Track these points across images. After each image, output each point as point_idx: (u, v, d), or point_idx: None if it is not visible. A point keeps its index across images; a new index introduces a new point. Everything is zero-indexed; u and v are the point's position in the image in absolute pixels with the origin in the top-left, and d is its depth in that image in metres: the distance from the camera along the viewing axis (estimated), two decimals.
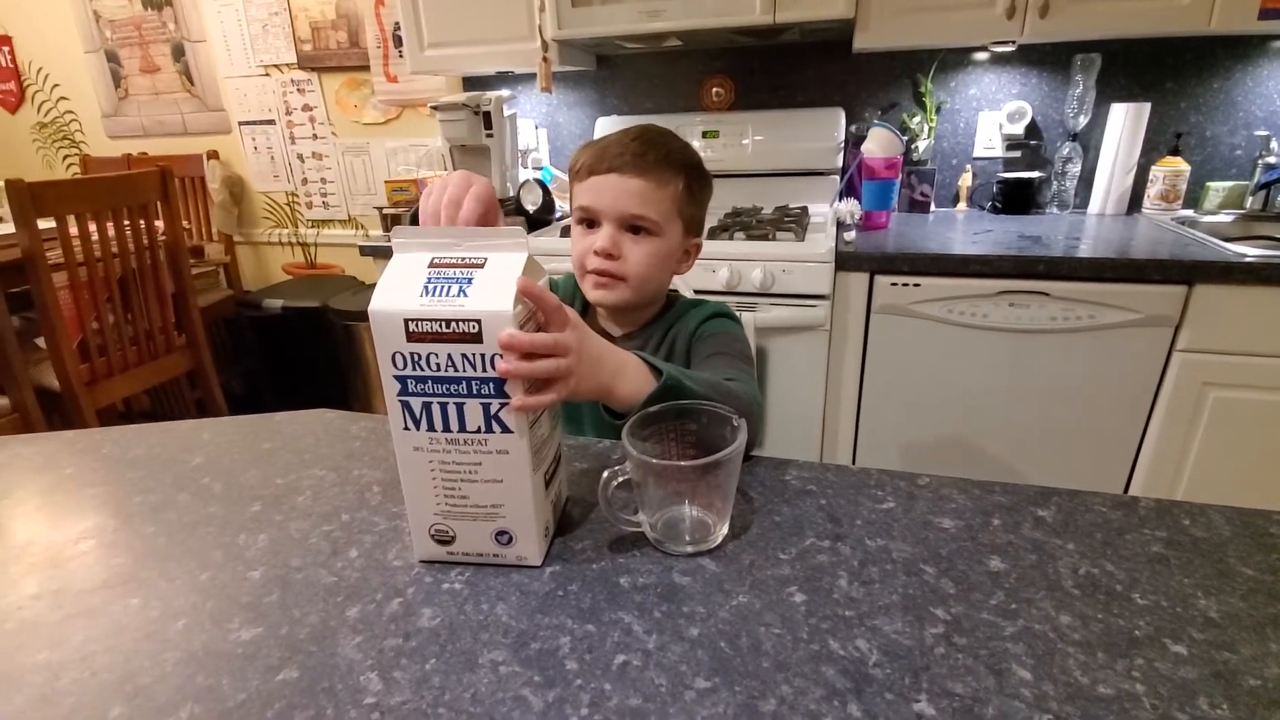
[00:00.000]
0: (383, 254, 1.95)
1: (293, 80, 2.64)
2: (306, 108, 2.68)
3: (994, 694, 0.40)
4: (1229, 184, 1.83)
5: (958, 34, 1.68)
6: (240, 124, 2.77)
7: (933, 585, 0.49)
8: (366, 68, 2.53)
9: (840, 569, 0.51)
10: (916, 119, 2.05)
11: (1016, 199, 1.99)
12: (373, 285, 2.65)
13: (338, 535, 0.58)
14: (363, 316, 2.38)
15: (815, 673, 0.42)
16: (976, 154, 2.07)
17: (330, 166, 2.74)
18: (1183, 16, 1.51)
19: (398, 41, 2.45)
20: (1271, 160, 1.74)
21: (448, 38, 2.00)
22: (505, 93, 1.98)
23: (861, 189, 1.89)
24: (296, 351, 2.57)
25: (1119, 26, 1.56)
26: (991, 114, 2.01)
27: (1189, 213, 1.84)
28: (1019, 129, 1.98)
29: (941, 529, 0.56)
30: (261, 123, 2.74)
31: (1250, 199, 1.79)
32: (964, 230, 1.81)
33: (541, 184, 1.99)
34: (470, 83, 2.37)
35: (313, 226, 2.88)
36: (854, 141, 2.06)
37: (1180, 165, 1.84)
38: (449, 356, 0.47)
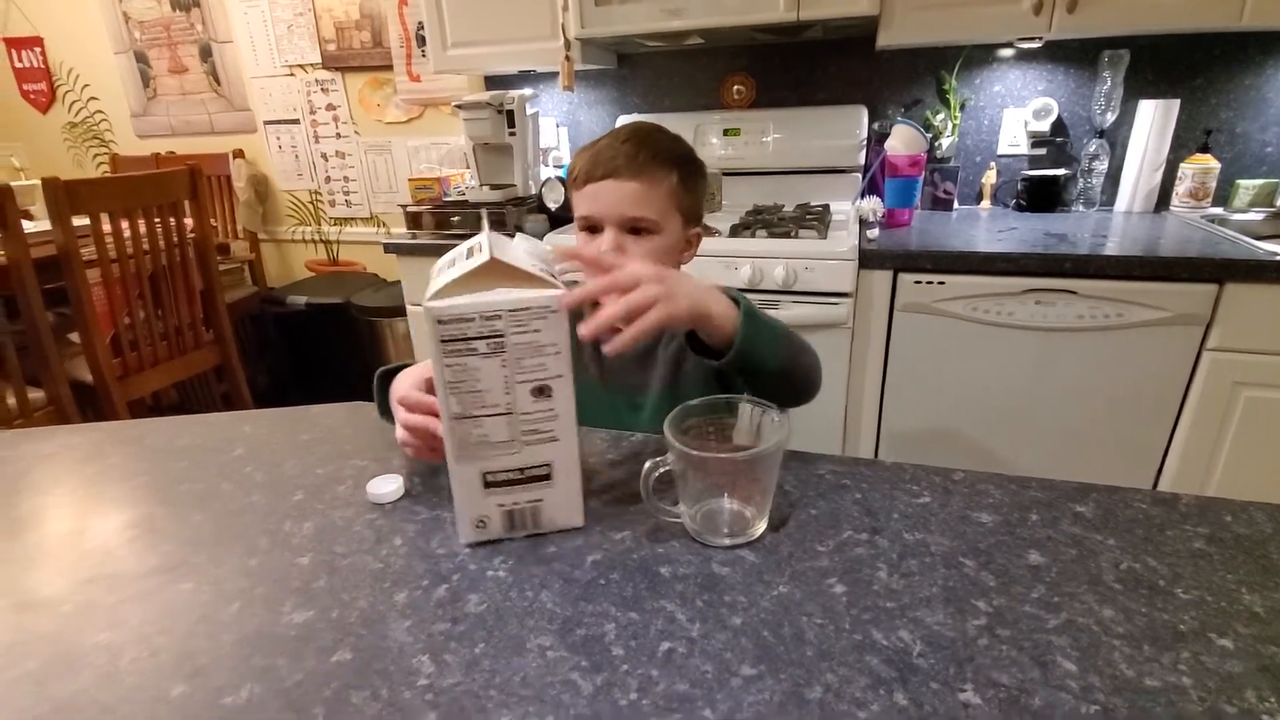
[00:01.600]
0: (407, 251, 1.97)
1: (317, 80, 2.68)
2: (330, 107, 2.71)
3: (1039, 685, 0.40)
4: (1260, 182, 1.80)
5: (983, 30, 1.66)
6: (265, 123, 2.81)
7: (973, 578, 0.50)
8: (389, 67, 2.56)
9: (879, 561, 0.52)
10: (940, 116, 2.03)
11: (1041, 196, 1.97)
12: (395, 282, 2.69)
13: (381, 523, 0.60)
14: (385, 313, 2.41)
15: (859, 662, 0.43)
16: (1001, 151, 2.05)
17: (353, 165, 2.77)
18: (1214, 10, 1.48)
19: (420, 41, 2.47)
20: None
21: (470, 37, 2.02)
22: (528, 91, 2.00)
23: (884, 186, 1.89)
24: (320, 347, 2.61)
25: (1149, 21, 1.54)
26: (1017, 111, 1.99)
27: (1218, 210, 1.82)
28: (1045, 126, 1.96)
29: (979, 523, 0.56)
30: (286, 122, 2.78)
31: None
32: (988, 228, 1.79)
33: (563, 182, 2.00)
34: (492, 81, 2.38)
35: (335, 224, 2.91)
36: (876, 139, 2.05)
37: (1210, 162, 1.81)
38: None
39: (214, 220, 2.83)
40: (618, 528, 0.57)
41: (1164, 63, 1.81)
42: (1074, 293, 1.50)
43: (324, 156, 2.80)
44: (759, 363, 0.65)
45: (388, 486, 0.63)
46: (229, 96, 2.82)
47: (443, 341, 0.49)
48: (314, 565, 0.55)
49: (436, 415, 0.54)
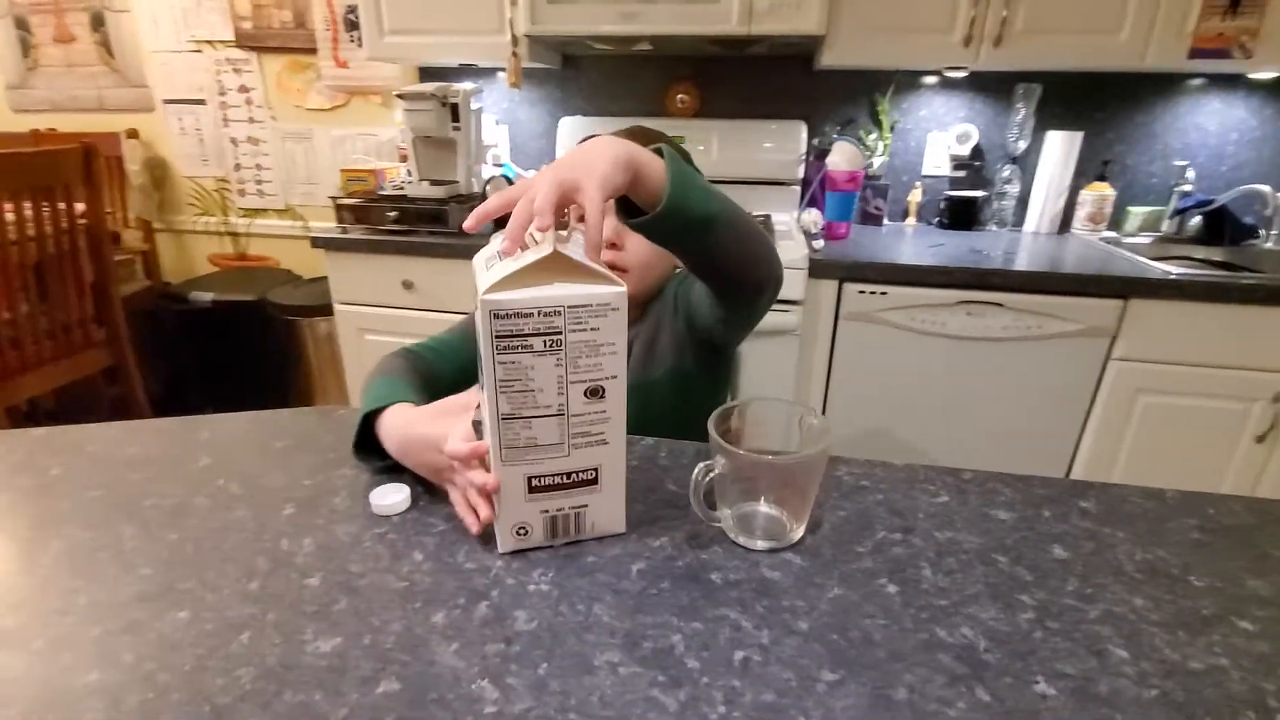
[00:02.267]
0: (337, 246, 1.85)
1: (228, 59, 2.47)
2: (243, 89, 2.50)
3: (1101, 673, 0.42)
4: (1148, 209, 2.02)
5: (918, 57, 1.77)
6: (165, 102, 2.56)
7: (1009, 573, 0.51)
8: (313, 50, 2.40)
9: (920, 560, 0.53)
10: (872, 136, 2.14)
11: (961, 216, 2.12)
12: (315, 279, 2.51)
13: (393, 538, 0.55)
14: (306, 311, 2.25)
15: (932, 660, 0.43)
16: (925, 172, 2.18)
17: (267, 153, 2.58)
18: (1121, 52, 1.65)
19: (349, 25, 2.33)
20: (1187, 188, 1.93)
21: (410, 25, 1.93)
22: (472, 86, 1.93)
23: (824, 200, 1.96)
24: (228, 348, 2.39)
25: (1064, 59, 1.69)
26: (940, 135, 2.13)
27: (1113, 234, 2.02)
28: (965, 150, 2.11)
29: (1000, 520, 0.58)
30: (190, 102, 2.54)
31: (1166, 223, 1.98)
32: (918, 243, 1.90)
33: (509, 180, 1.94)
34: (427, 73, 2.29)
35: (245, 215, 2.69)
36: (815, 154, 2.13)
37: (1107, 190, 2.01)
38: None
39: (107, 207, 2.54)
40: (653, 534, 0.55)
41: (1070, 98, 1.99)
42: (1001, 305, 1.62)
43: (234, 142, 2.58)
44: (694, 213, 0.57)
45: (394, 497, 0.58)
46: (123, 71, 2.54)
47: (497, 338, 0.46)
48: (328, 587, 0.49)
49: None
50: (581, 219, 0.50)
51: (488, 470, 0.52)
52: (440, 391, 0.66)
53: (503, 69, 2.22)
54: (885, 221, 2.18)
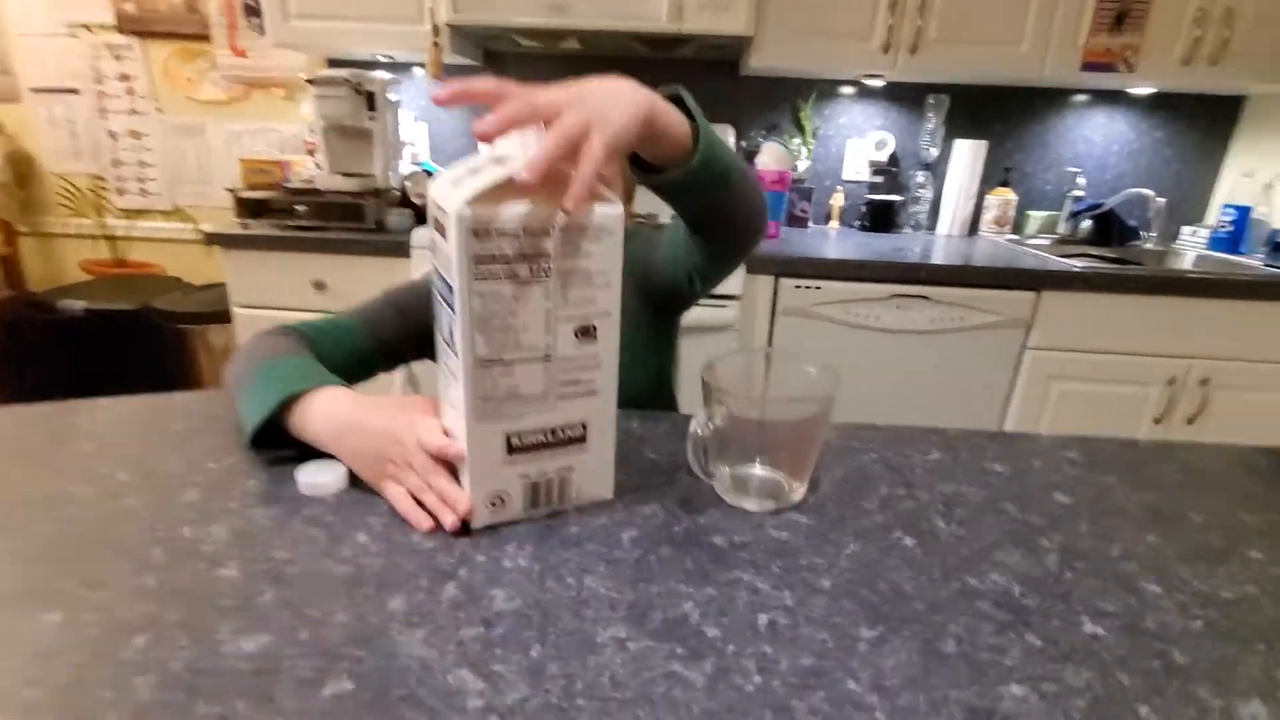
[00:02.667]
0: (236, 244, 1.67)
1: (108, 45, 2.22)
2: (124, 77, 2.26)
3: (1143, 609, 0.39)
4: (1045, 213, 2.16)
5: (840, 61, 1.82)
6: (33, 90, 2.27)
7: (1022, 520, 0.49)
8: (206, 37, 2.20)
9: (930, 513, 0.49)
10: (795, 141, 2.19)
11: (880, 218, 2.19)
12: (206, 286, 2.29)
13: (331, 520, 0.45)
14: (196, 319, 2.03)
15: (972, 609, 0.39)
16: (846, 177, 2.25)
17: (151, 148, 2.33)
18: (1022, 63, 1.76)
19: (249, 11, 2.16)
20: (1079, 194, 2.08)
21: (320, 9, 1.80)
22: (389, 75, 1.81)
23: None
24: (104, 361, 2.12)
25: (973, 68, 1.79)
26: (859, 142, 2.21)
27: (1015, 236, 2.15)
28: (882, 157, 2.19)
29: (996, 472, 0.56)
30: (62, 91, 2.27)
31: (1062, 225, 2.13)
32: (843, 243, 1.95)
33: (429, 174, 1.83)
34: (336, 65, 2.14)
35: (125, 217, 2.42)
36: (743, 156, 2.15)
37: (1009, 195, 2.14)
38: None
39: None
40: (640, 501, 0.49)
41: (975, 110, 2.12)
42: (927, 298, 1.67)
43: (112, 135, 2.32)
44: (717, 167, 0.53)
45: (326, 475, 0.48)
46: None
47: (475, 260, 0.38)
48: (248, 577, 0.39)
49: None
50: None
51: (456, 481, 0.44)
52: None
53: (421, 64, 2.11)
54: (810, 224, 2.23)
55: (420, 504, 0.45)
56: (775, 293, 1.68)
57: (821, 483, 0.53)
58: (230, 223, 1.74)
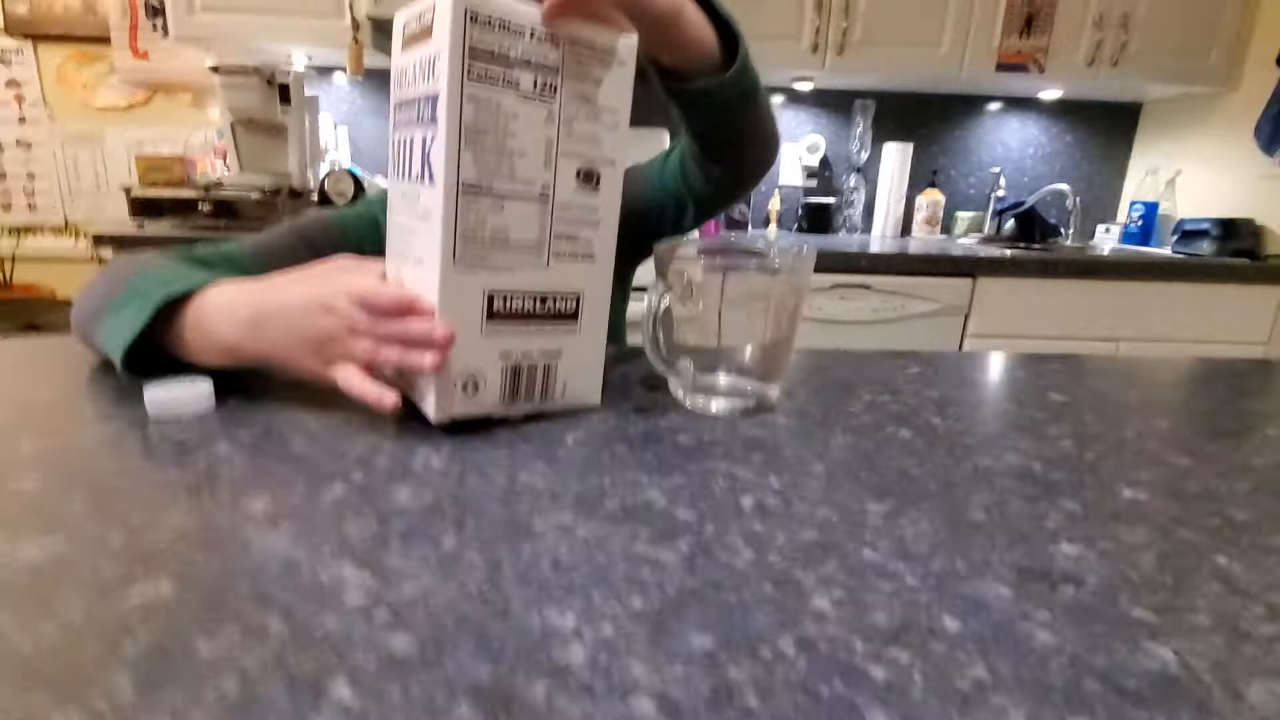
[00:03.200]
0: (129, 246, 1.51)
1: None
2: (12, 84, 2.07)
3: (1180, 476, 0.34)
4: (972, 213, 2.23)
5: (771, 62, 1.84)
6: None
7: (1022, 413, 0.43)
8: (105, 40, 2.04)
9: (923, 411, 0.43)
10: None
11: (817, 221, 2.21)
12: None
13: (184, 437, 0.35)
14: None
15: (993, 484, 0.32)
16: (782, 181, 2.27)
17: (42, 159, 2.13)
18: (943, 64, 1.82)
19: (152, 11, 2.02)
20: (1001, 194, 2.15)
21: (229, 1, 1.69)
22: (305, 69, 1.71)
23: None
24: None
25: (898, 68, 1.84)
26: (792, 146, 2.23)
27: (944, 236, 2.20)
28: (815, 161, 2.22)
29: (981, 381, 0.50)
30: None
31: (988, 224, 2.19)
32: (783, 242, 1.94)
33: (353, 175, 1.73)
34: None
35: (9, 235, 2.18)
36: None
37: (938, 196, 2.19)
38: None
39: None
40: (585, 410, 0.40)
41: (900, 114, 2.18)
42: (869, 287, 1.66)
43: None
44: (751, 89, 0.50)
45: (186, 390, 0.38)
46: None
47: (472, 54, 0.30)
48: (54, 488, 0.28)
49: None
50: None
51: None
52: None
53: (342, 68, 2.02)
54: (749, 227, 2.22)
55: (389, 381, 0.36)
56: (722, 289, 1.64)
57: (797, 392, 0.46)
58: (132, 227, 1.58)
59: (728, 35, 0.48)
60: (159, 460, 0.31)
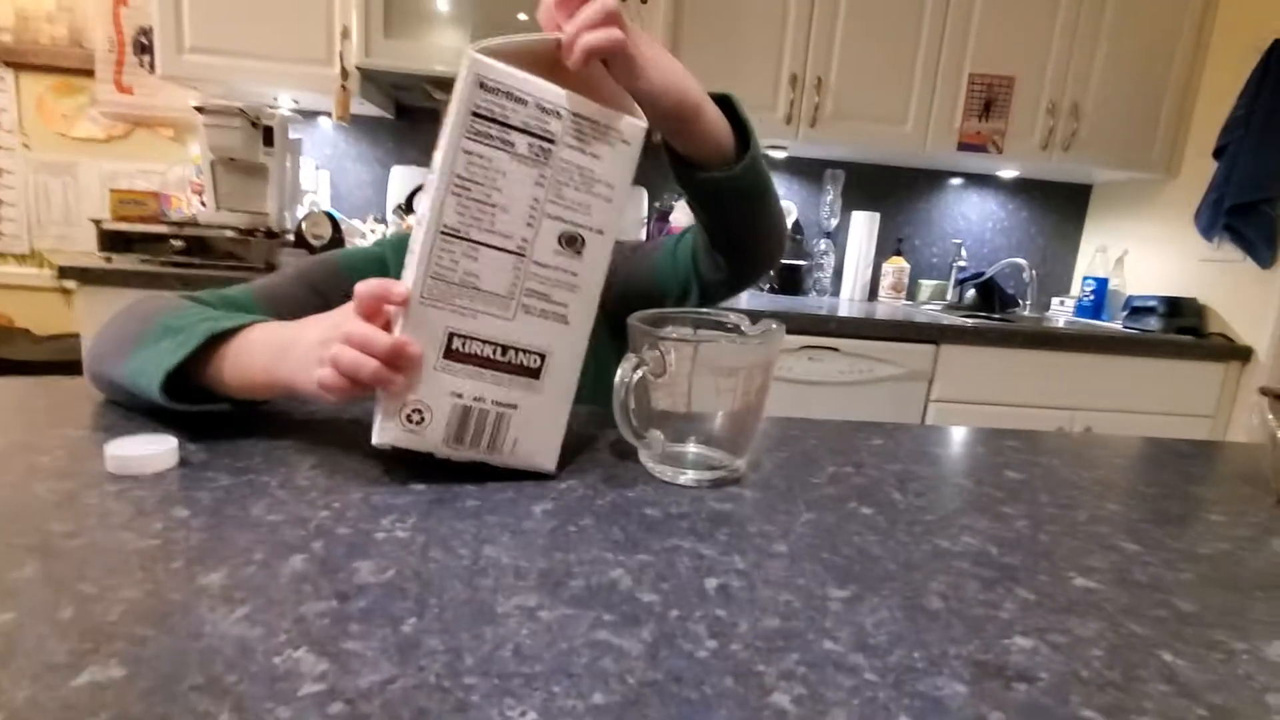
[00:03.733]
0: (93, 279, 1.48)
1: None
2: None
3: (1129, 563, 0.35)
4: (935, 282, 2.31)
5: None
6: None
7: (980, 491, 0.44)
8: (89, 73, 2.05)
9: (884, 487, 0.44)
10: None
11: (789, 282, 2.27)
12: (57, 335, 2.01)
13: (140, 495, 0.34)
14: (41, 369, 1.76)
15: (950, 567, 0.33)
16: None
17: (12, 186, 2.09)
18: (908, 140, 1.92)
19: (139, 48, 2.04)
20: (963, 264, 2.25)
21: (218, 44, 1.71)
22: (291, 112, 1.73)
23: None
24: None
25: (866, 142, 1.93)
26: None
27: (909, 302, 2.28)
28: (788, 224, 2.30)
29: (940, 455, 0.52)
30: None
31: (950, 293, 2.28)
32: (753, 301, 1.99)
33: (331, 217, 1.73)
34: None
35: None
36: (657, 215, 2.19)
37: (903, 264, 2.28)
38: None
39: None
40: (555, 478, 0.40)
41: (868, 185, 2.28)
42: (837, 350, 1.70)
43: None
44: (762, 184, 0.53)
45: (148, 447, 0.37)
46: None
47: (474, 114, 0.33)
48: (3, 551, 0.27)
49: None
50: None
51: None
52: None
53: (327, 113, 2.05)
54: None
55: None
56: (693, 363, 1.66)
57: (763, 463, 0.47)
58: (100, 258, 1.55)
59: (742, 133, 0.51)
60: (114, 524, 0.30)
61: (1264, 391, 0.47)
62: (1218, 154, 1.79)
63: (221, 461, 0.39)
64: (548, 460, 0.40)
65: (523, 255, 0.36)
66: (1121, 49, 1.91)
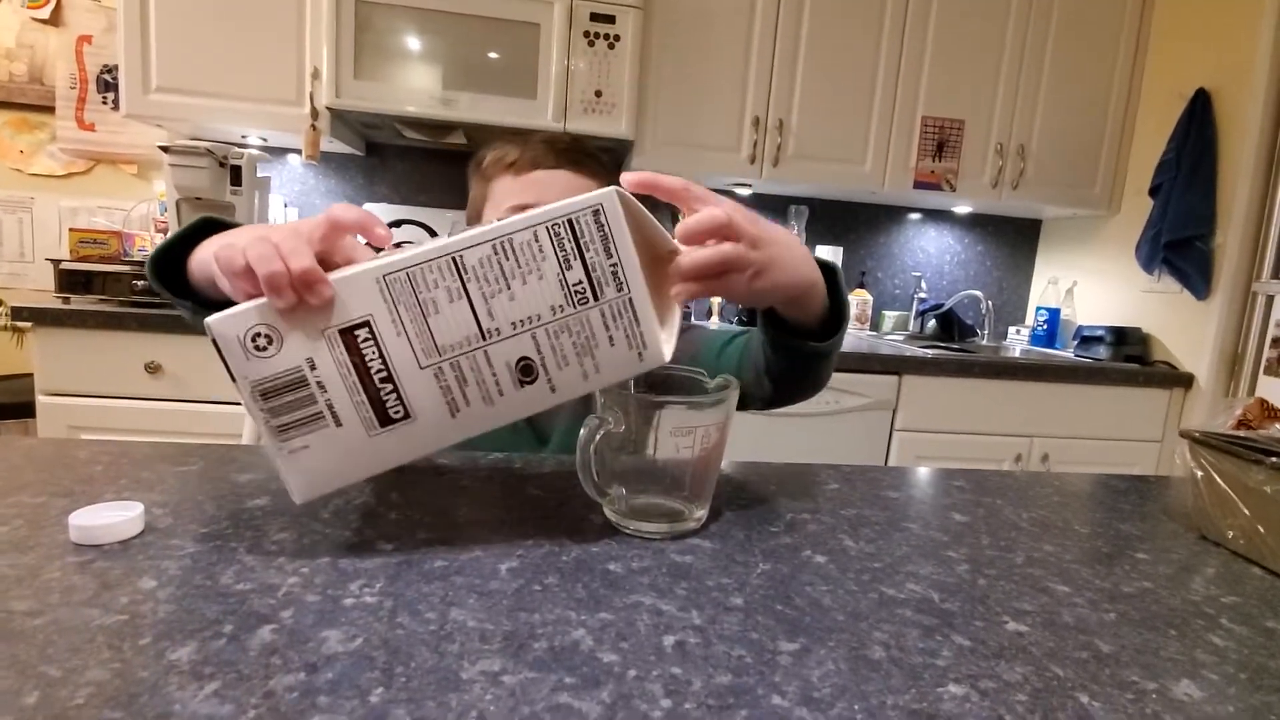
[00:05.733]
0: (50, 320, 1.45)
1: None
2: None
3: (1058, 604, 0.37)
4: (897, 313, 2.38)
5: (713, 169, 1.98)
6: None
7: (927, 536, 0.46)
8: (50, 109, 2.03)
9: (838, 533, 0.46)
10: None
11: (755, 315, 2.32)
12: (7, 376, 1.95)
13: (103, 566, 0.34)
14: (7, 412, 1.71)
15: (894, 616, 0.35)
16: None
17: None
18: (866, 179, 2.00)
19: (103, 85, 2.03)
20: (923, 295, 2.32)
21: (185, 83, 1.71)
22: (257, 151, 1.74)
23: None
24: None
25: (827, 180, 2.00)
26: None
27: (873, 333, 2.34)
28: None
29: (892, 498, 0.54)
30: None
31: (912, 323, 2.35)
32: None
33: None
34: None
35: None
36: None
37: (866, 295, 2.35)
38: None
39: None
40: (521, 534, 0.42)
41: (830, 220, 2.35)
42: None
43: None
44: (836, 352, 0.57)
45: (115, 516, 0.37)
46: None
47: (567, 221, 0.36)
48: None
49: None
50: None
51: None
52: None
53: (296, 150, 2.05)
54: (692, 319, 2.31)
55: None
56: (656, 419, 1.68)
57: (722, 511, 0.48)
58: (55, 297, 1.52)
59: (834, 292, 0.54)
60: (79, 600, 0.31)
61: (1183, 435, 0.51)
62: (1153, 192, 1.90)
63: (188, 527, 0.39)
64: (300, 491, 0.38)
65: (483, 340, 0.37)
66: (1061, 94, 2.03)
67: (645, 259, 0.38)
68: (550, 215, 0.36)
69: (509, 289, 0.36)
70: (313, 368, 0.35)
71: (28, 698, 0.24)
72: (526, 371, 0.37)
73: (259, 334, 0.35)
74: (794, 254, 0.47)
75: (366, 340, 0.36)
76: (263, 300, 0.35)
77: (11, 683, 0.25)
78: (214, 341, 0.35)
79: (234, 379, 0.35)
